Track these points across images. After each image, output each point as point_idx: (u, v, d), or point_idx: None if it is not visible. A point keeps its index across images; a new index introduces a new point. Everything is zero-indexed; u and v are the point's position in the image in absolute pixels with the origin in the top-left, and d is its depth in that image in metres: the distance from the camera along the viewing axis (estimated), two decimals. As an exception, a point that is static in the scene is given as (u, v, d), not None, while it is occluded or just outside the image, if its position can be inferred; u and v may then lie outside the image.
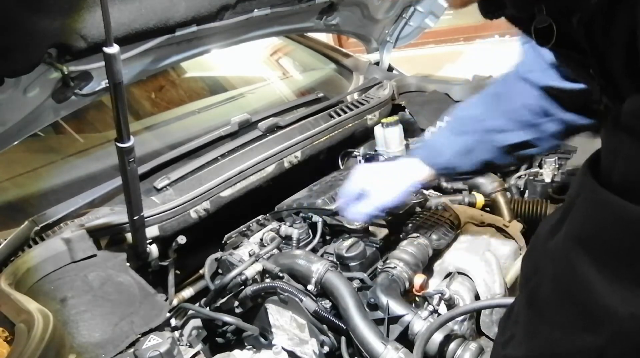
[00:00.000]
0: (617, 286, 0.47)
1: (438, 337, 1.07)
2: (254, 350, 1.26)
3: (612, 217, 0.48)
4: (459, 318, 1.23)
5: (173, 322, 1.27)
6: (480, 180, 1.70)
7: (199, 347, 1.34)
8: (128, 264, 1.24)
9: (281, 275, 1.24)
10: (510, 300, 0.80)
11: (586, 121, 1.08)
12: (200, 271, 1.46)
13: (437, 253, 1.34)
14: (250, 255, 1.31)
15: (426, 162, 1.21)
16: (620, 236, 0.47)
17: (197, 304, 1.35)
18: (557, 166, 1.75)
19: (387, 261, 1.25)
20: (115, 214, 1.32)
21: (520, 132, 1.11)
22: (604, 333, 0.48)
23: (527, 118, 1.09)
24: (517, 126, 1.11)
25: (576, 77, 0.79)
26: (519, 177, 1.83)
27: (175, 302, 1.40)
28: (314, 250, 1.36)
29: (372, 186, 1.22)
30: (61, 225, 1.28)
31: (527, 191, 1.79)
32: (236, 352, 1.18)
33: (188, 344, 1.27)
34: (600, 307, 0.48)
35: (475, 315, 1.27)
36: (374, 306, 1.14)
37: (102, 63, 0.93)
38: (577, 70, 0.71)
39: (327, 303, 1.18)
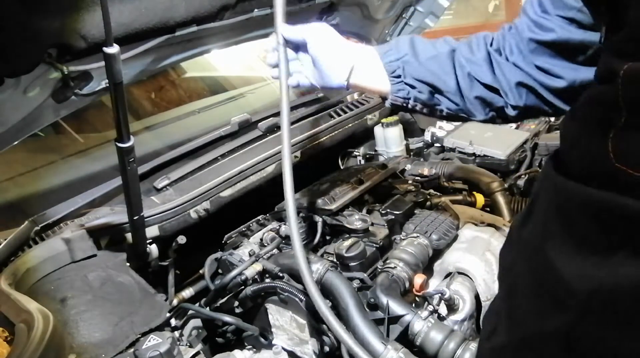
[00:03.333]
0: (576, 265, 0.50)
1: (438, 337, 1.07)
2: (254, 350, 1.26)
3: (569, 199, 0.51)
4: (459, 318, 1.23)
5: (173, 322, 1.27)
6: (481, 180, 1.70)
7: (199, 347, 1.34)
8: (128, 264, 1.24)
9: (281, 275, 1.24)
10: None
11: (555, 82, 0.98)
12: (200, 271, 1.46)
13: (437, 253, 1.34)
14: (250, 255, 1.31)
15: (379, 51, 1.08)
16: (576, 216, 0.50)
17: (197, 304, 1.35)
18: (557, 166, 1.75)
19: (387, 261, 1.25)
20: (115, 214, 1.32)
21: (491, 75, 1.01)
22: (569, 311, 0.50)
23: (503, 63, 1.01)
24: (490, 68, 1.02)
25: (591, 16, 0.77)
26: (519, 177, 1.83)
27: (175, 302, 1.40)
28: (314, 250, 1.36)
29: (322, 49, 1.07)
30: (61, 224, 1.28)
31: (527, 191, 1.79)
32: (236, 352, 1.18)
33: (188, 344, 1.27)
34: (564, 287, 0.50)
35: (475, 315, 1.27)
36: (374, 306, 1.14)
37: (102, 63, 0.93)
38: (592, 8, 0.70)
39: (327, 303, 1.17)
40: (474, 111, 1.06)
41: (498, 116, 1.08)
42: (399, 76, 1.06)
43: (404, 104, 1.09)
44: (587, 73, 0.97)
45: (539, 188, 0.58)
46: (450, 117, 1.14)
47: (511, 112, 1.06)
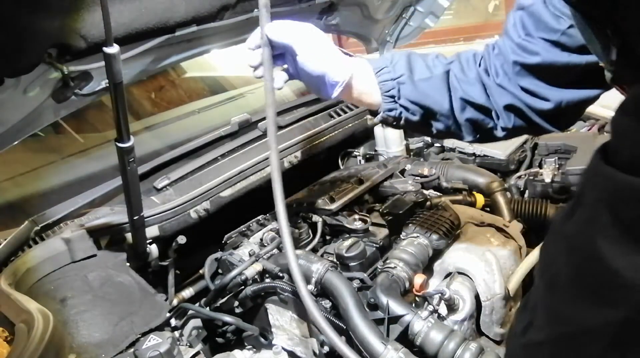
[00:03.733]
0: (631, 258, 0.48)
1: (438, 337, 1.07)
2: (254, 350, 1.26)
3: (620, 190, 0.50)
4: (459, 318, 1.23)
5: (173, 322, 1.27)
6: (481, 180, 1.70)
7: (199, 347, 1.34)
8: (128, 264, 1.24)
9: (281, 275, 1.24)
10: None
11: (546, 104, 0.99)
12: (200, 271, 1.46)
13: (437, 253, 1.34)
14: (250, 255, 1.31)
15: (374, 67, 1.06)
16: (628, 208, 0.49)
17: (197, 304, 1.35)
18: (557, 166, 1.76)
19: (387, 261, 1.25)
20: (115, 214, 1.32)
21: (483, 95, 1.03)
22: (623, 306, 0.49)
23: (491, 86, 1.03)
24: (481, 88, 1.02)
25: (589, 41, 0.78)
26: (519, 177, 1.83)
27: (175, 302, 1.40)
28: (314, 250, 1.36)
29: (304, 37, 1.02)
30: (61, 224, 1.28)
31: (527, 191, 1.79)
32: (236, 352, 1.18)
33: (188, 344, 1.27)
34: (617, 281, 0.49)
35: (475, 315, 1.27)
36: (374, 306, 1.14)
37: (102, 63, 0.93)
38: (594, 30, 0.71)
39: (327, 303, 1.18)
40: (464, 133, 1.08)
41: (486, 137, 1.09)
42: (393, 96, 1.04)
43: (394, 122, 1.09)
44: (573, 94, 0.98)
45: (584, 183, 0.57)
46: (438, 136, 1.14)
47: (500, 133, 1.08)
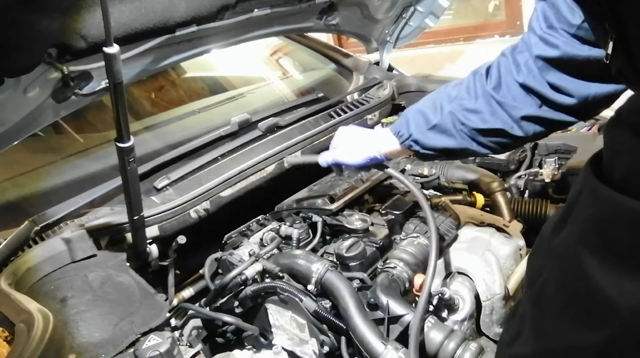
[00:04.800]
0: (618, 281, 0.47)
1: (438, 337, 1.07)
2: (254, 350, 1.26)
3: (613, 212, 0.48)
4: (459, 318, 1.23)
5: (173, 322, 1.27)
6: (481, 180, 1.70)
7: (199, 347, 1.34)
8: (128, 264, 1.24)
9: (281, 275, 1.24)
10: None
11: (564, 116, 1.02)
12: (200, 271, 1.46)
13: (437, 253, 1.34)
14: (250, 255, 1.31)
15: (393, 133, 1.21)
16: (621, 230, 0.47)
17: (197, 304, 1.35)
18: (557, 166, 1.76)
19: (387, 261, 1.25)
20: (115, 214, 1.32)
21: (492, 118, 1.06)
22: (607, 328, 0.48)
23: (505, 102, 1.04)
24: (491, 111, 1.06)
25: (593, 32, 0.76)
26: (519, 177, 1.83)
27: (175, 302, 1.40)
28: (314, 250, 1.36)
29: (342, 144, 1.30)
30: (61, 224, 1.28)
31: (527, 191, 1.79)
32: (236, 352, 1.18)
33: (188, 344, 1.27)
34: (603, 302, 0.48)
35: (475, 315, 1.27)
36: (374, 306, 1.14)
37: (102, 63, 0.93)
38: (594, 24, 0.69)
39: (327, 303, 1.18)
40: (483, 152, 1.14)
41: (507, 148, 1.17)
42: (415, 150, 1.19)
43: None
44: (599, 88, 0.96)
45: (576, 195, 0.55)
46: (465, 157, 1.29)
47: (520, 142, 1.11)
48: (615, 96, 0.98)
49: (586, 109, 1.01)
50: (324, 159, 1.33)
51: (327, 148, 1.36)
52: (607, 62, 0.62)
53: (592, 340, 0.50)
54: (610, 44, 0.60)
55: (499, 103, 1.04)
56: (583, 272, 0.50)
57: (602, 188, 0.50)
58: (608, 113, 0.80)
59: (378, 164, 1.29)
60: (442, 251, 1.35)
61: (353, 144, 1.28)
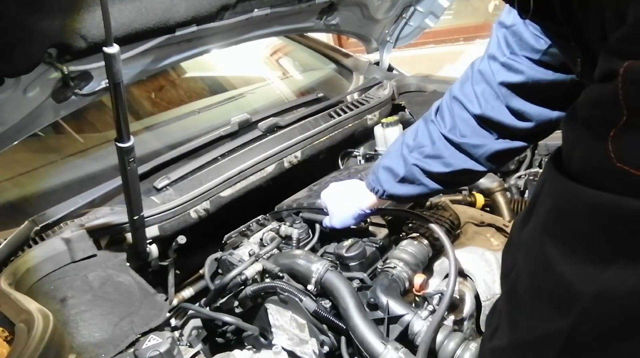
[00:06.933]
0: (579, 267, 0.49)
1: (438, 337, 1.07)
2: (254, 350, 1.26)
3: (572, 202, 0.50)
4: (459, 318, 1.23)
5: (173, 322, 1.27)
6: (481, 180, 1.70)
7: (199, 347, 1.34)
8: (128, 264, 1.24)
9: (281, 275, 1.24)
10: None
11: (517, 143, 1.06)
12: (200, 271, 1.46)
13: (437, 253, 1.34)
14: (250, 255, 1.31)
15: (369, 189, 1.25)
16: (580, 218, 0.49)
17: (197, 304, 1.35)
18: (557, 166, 1.75)
19: (387, 261, 1.25)
20: (115, 214, 1.32)
21: (454, 160, 1.10)
22: (570, 314, 0.50)
23: (463, 143, 1.08)
24: (451, 154, 1.10)
25: (559, 50, 0.79)
26: (519, 177, 1.83)
27: (175, 302, 1.40)
28: (314, 250, 1.36)
29: (329, 207, 1.34)
30: (61, 224, 1.28)
31: (527, 191, 1.79)
32: (236, 352, 1.18)
33: (188, 344, 1.27)
34: (566, 289, 0.50)
35: (475, 315, 1.27)
36: (374, 306, 1.14)
37: (102, 63, 0.93)
38: (559, 42, 0.72)
39: (327, 303, 1.18)
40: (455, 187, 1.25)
41: (471, 182, 1.32)
42: (394, 199, 1.26)
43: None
44: (558, 114, 1.00)
45: (539, 188, 0.57)
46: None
47: (484, 173, 1.15)
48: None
49: (543, 133, 1.05)
50: (324, 224, 1.37)
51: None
52: (579, 79, 0.64)
53: (558, 326, 0.51)
54: (579, 62, 0.62)
55: (458, 145, 1.08)
56: (547, 262, 0.52)
57: (561, 179, 0.51)
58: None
59: (368, 215, 1.33)
60: (442, 251, 1.35)
61: (338, 208, 1.31)
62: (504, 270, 0.65)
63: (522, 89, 0.99)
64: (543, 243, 0.53)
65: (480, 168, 1.10)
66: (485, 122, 1.05)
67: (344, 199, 1.30)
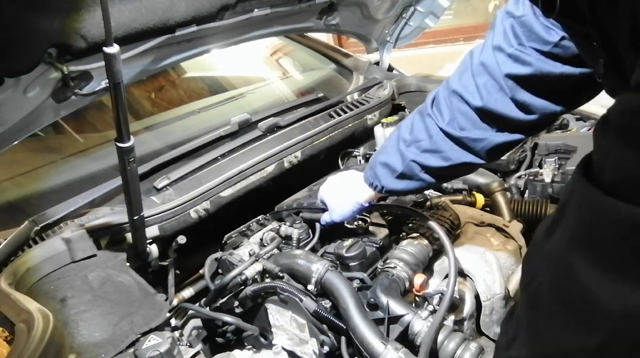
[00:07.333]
0: (609, 284, 0.47)
1: (438, 337, 1.07)
2: (254, 350, 1.26)
3: (603, 216, 0.48)
4: (459, 318, 1.23)
5: (173, 322, 1.27)
6: (481, 180, 1.70)
7: (199, 347, 1.34)
8: (128, 264, 1.24)
9: (281, 274, 1.24)
10: None
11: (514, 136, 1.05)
12: (200, 271, 1.46)
13: (437, 253, 1.34)
14: (250, 255, 1.31)
15: (367, 184, 1.25)
16: (611, 233, 0.47)
17: (197, 304, 1.35)
18: (557, 166, 1.75)
19: (387, 261, 1.25)
20: (115, 214, 1.32)
21: (452, 154, 1.09)
22: (599, 332, 0.48)
23: (462, 137, 1.06)
24: (449, 148, 1.09)
25: (580, 51, 0.76)
26: (519, 177, 1.83)
27: (175, 302, 1.40)
28: (314, 250, 1.36)
29: (327, 201, 1.34)
30: (61, 224, 1.28)
31: (527, 191, 1.79)
32: (236, 352, 1.18)
33: (188, 344, 1.27)
34: (595, 306, 0.48)
35: (475, 315, 1.27)
36: (374, 306, 1.14)
37: (102, 63, 0.93)
38: (582, 42, 0.70)
39: (327, 303, 1.18)
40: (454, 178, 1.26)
41: (469, 172, 1.28)
42: (393, 194, 1.31)
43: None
44: (563, 107, 0.98)
45: (567, 198, 0.55)
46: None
47: (479, 167, 1.16)
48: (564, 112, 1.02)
49: (544, 125, 1.05)
50: (323, 220, 1.37)
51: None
52: (600, 80, 0.63)
53: (585, 344, 0.49)
54: (602, 64, 0.60)
55: (456, 138, 1.07)
56: (574, 276, 0.50)
57: (592, 191, 0.49)
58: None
59: (367, 208, 1.33)
60: (442, 251, 1.35)
61: (337, 203, 1.31)
62: (525, 279, 0.63)
63: (528, 82, 0.96)
64: (570, 255, 0.51)
65: (479, 161, 1.09)
66: (486, 114, 1.02)
67: (343, 193, 1.30)
